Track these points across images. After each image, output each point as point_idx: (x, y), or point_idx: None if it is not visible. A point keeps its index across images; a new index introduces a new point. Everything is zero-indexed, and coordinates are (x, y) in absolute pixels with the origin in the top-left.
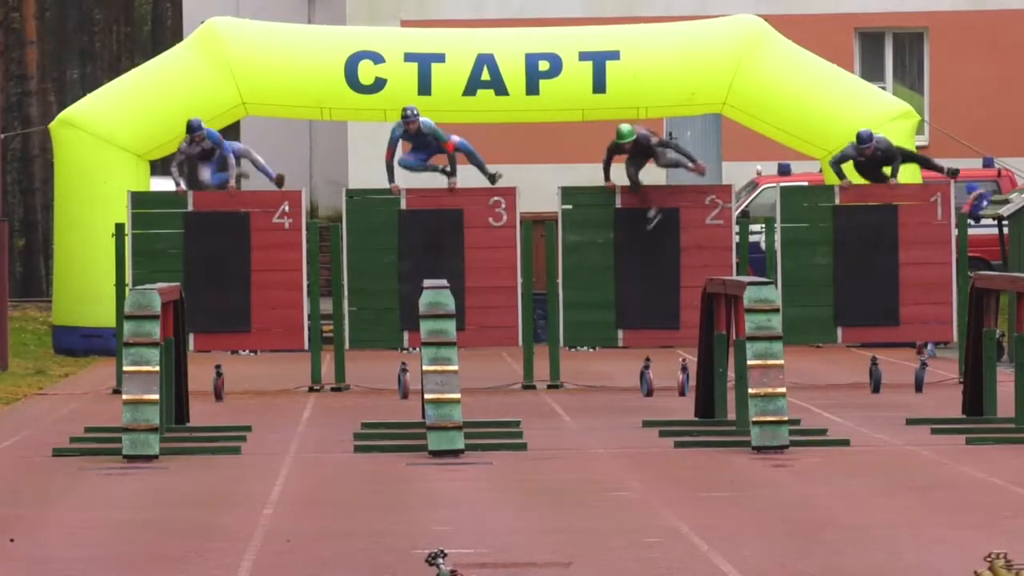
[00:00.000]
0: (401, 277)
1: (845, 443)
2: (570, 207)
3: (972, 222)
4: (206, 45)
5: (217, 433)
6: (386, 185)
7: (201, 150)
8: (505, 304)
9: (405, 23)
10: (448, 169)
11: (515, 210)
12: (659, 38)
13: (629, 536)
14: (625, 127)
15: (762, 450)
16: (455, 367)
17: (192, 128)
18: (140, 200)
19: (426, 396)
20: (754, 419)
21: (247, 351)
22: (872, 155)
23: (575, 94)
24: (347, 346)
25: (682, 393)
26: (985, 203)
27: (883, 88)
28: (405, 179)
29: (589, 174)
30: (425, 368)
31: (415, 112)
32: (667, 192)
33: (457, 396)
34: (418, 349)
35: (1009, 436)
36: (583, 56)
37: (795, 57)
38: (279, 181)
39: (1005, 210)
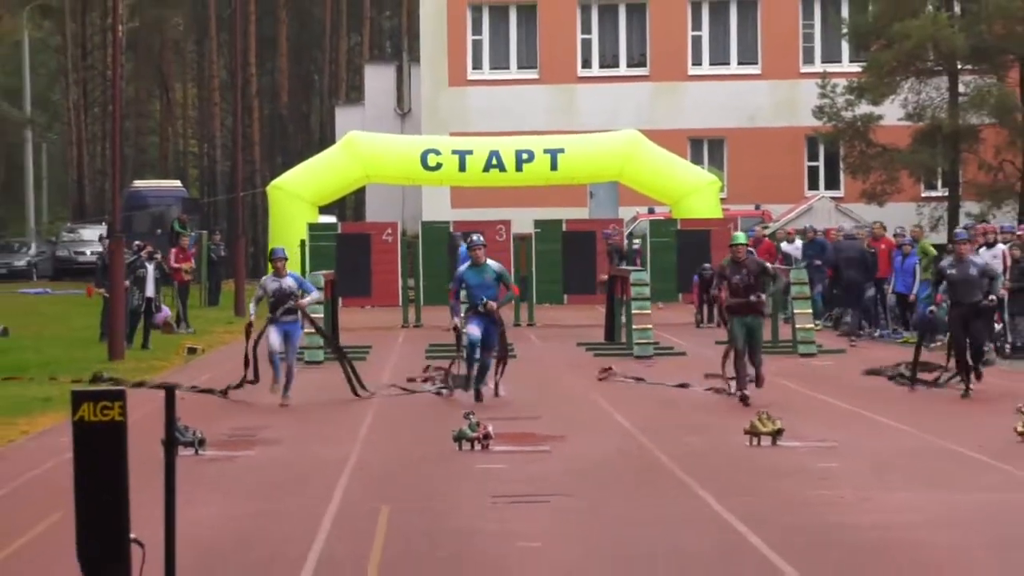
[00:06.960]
0: (449, 269)
1: (683, 354)
2: (539, 231)
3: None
4: (348, 146)
5: (353, 349)
6: (443, 218)
7: (279, 288)
8: None
9: (453, 133)
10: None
11: (510, 232)
12: (585, 141)
13: (568, 403)
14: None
15: (640, 358)
16: None
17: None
18: (314, 227)
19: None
20: (636, 341)
21: (369, 307)
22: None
23: (541, 171)
24: (422, 303)
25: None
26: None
27: (703, 168)
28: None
29: (550, 213)
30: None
31: (481, 241)
32: (591, 222)
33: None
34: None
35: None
36: (546, 151)
37: (656, 152)
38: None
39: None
